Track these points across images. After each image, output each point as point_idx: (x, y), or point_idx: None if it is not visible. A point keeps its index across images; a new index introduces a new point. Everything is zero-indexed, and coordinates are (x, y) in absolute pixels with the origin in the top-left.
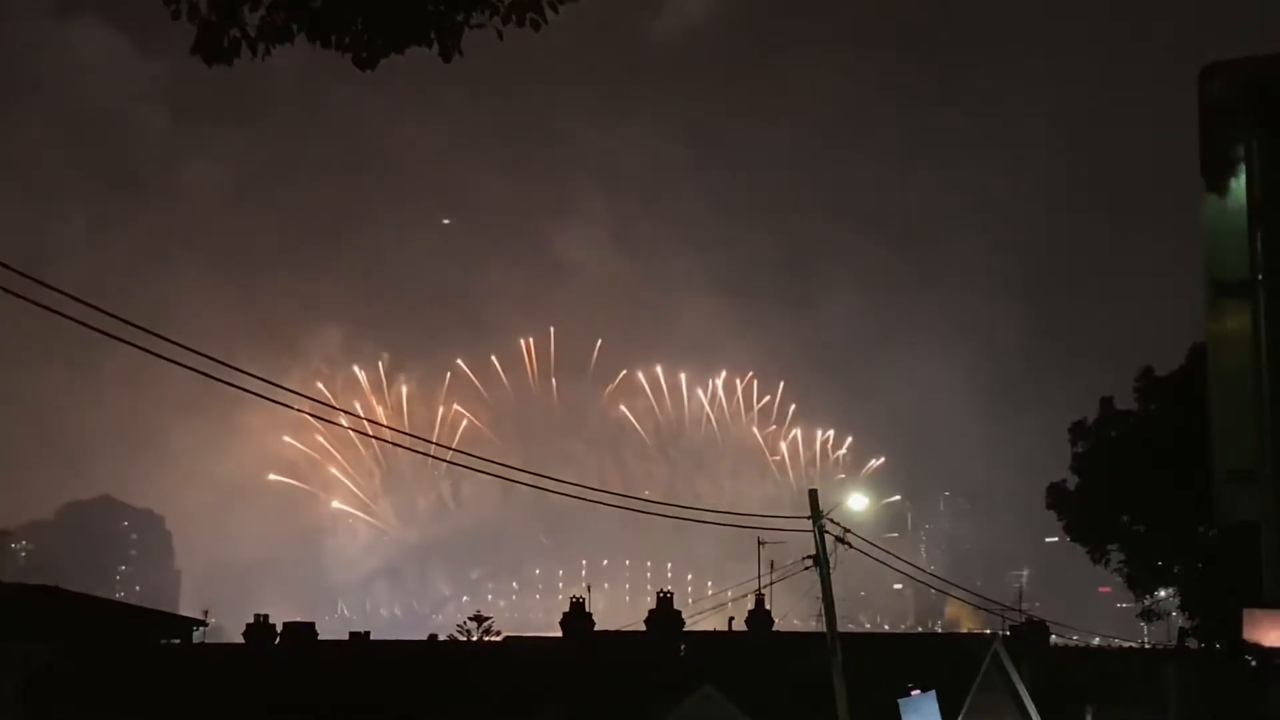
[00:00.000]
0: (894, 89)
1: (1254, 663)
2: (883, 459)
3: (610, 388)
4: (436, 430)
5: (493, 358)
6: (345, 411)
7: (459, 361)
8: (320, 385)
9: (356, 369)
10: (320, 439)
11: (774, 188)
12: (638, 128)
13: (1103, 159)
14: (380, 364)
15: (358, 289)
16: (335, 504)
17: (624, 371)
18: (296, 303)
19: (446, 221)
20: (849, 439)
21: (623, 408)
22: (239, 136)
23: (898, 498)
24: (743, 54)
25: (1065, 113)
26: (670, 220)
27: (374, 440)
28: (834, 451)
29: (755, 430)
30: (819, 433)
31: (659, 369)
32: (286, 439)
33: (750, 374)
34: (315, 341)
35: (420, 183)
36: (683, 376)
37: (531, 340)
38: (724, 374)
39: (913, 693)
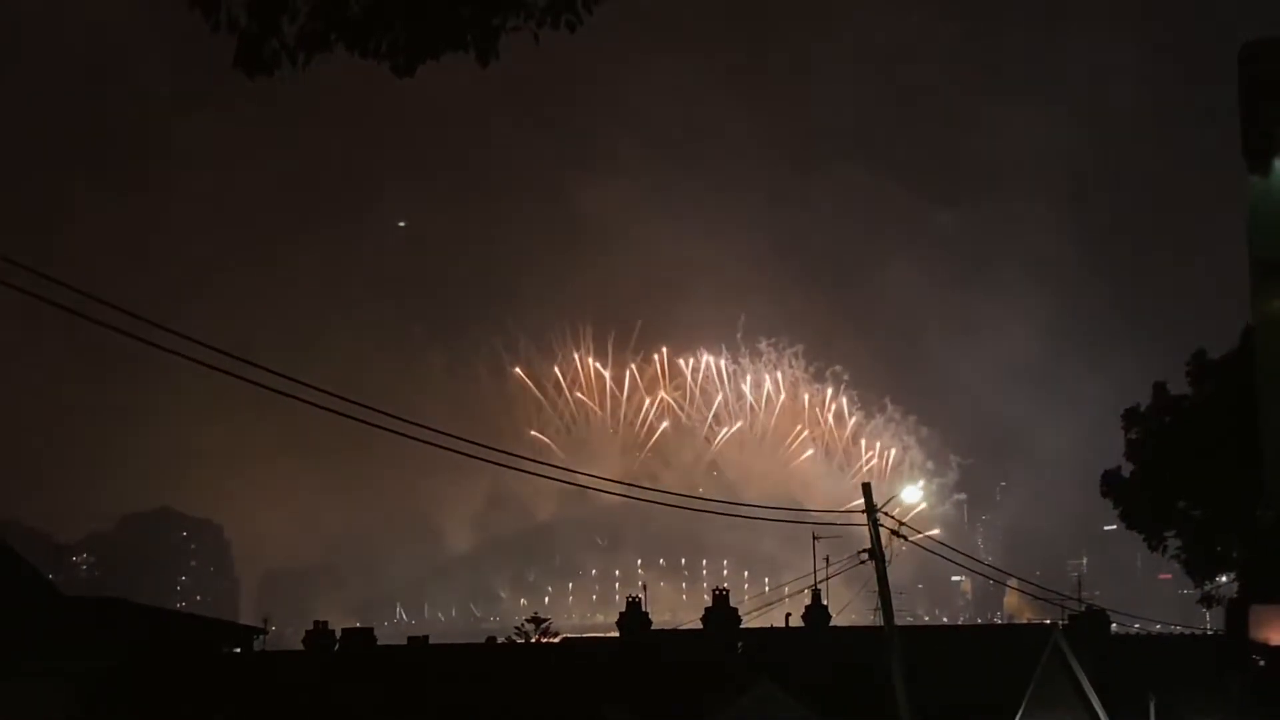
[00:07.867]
0: (952, 34)
1: (1262, 662)
2: (924, 430)
3: (651, 369)
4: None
5: (518, 363)
6: (408, 420)
7: (500, 348)
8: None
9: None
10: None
11: (821, 140)
12: (675, 76)
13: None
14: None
15: (375, 255)
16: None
17: (664, 348)
18: (316, 277)
19: (403, 224)
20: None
21: (666, 395)
22: (245, 94)
23: (965, 463)
24: None
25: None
26: (709, 175)
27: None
28: (887, 452)
29: (804, 409)
30: (874, 417)
31: (703, 352)
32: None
33: (800, 346)
34: (344, 316)
35: (439, 140)
36: (721, 360)
37: (568, 327)
38: (767, 348)
39: None
